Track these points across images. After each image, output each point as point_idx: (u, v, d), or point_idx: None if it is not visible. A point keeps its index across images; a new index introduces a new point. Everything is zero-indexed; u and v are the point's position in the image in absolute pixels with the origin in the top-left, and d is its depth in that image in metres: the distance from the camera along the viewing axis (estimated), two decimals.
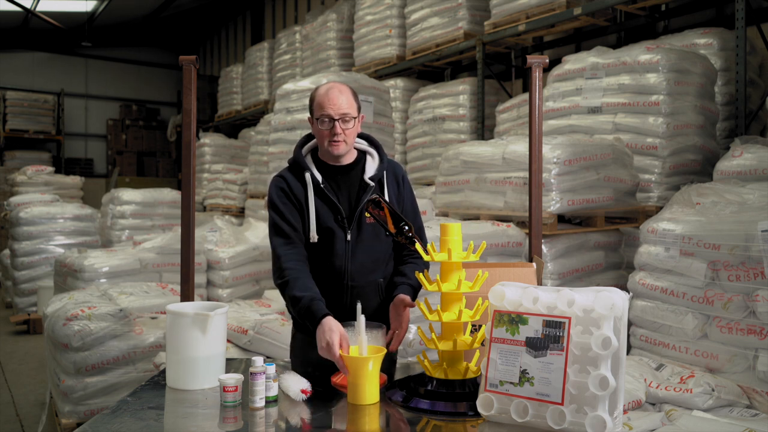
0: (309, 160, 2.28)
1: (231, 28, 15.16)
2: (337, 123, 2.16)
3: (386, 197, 2.25)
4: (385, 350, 1.92)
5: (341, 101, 2.16)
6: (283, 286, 2.12)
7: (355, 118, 2.20)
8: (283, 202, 2.22)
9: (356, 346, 1.90)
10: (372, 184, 2.23)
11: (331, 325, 1.93)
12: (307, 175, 2.22)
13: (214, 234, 5.87)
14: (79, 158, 15.72)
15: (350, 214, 2.22)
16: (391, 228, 1.98)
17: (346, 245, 2.20)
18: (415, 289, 2.22)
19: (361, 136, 2.34)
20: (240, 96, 11.58)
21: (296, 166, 2.27)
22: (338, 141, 2.18)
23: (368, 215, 2.18)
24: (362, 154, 2.32)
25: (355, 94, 2.24)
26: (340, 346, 1.89)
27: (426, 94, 6.93)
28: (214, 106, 13.04)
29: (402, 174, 2.34)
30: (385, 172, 2.28)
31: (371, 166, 2.28)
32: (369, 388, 1.83)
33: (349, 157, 2.28)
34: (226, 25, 15.41)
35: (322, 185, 2.21)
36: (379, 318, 2.14)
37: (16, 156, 13.88)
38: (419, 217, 2.38)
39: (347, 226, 2.21)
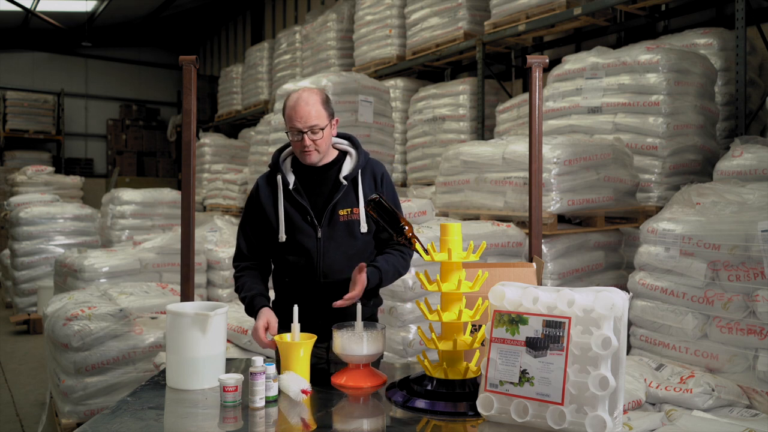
0: (287, 163, 2.35)
1: (231, 28, 15.17)
2: (305, 135, 2.20)
3: (360, 195, 2.27)
4: (315, 337, 2.04)
5: (309, 113, 2.19)
6: (237, 292, 2.35)
7: (324, 128, 2.22)
8: (249, 210, 2.38)
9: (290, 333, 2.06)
10: (345, 183, 2.27)
11: (263, 313, 2.20)
12: (279, 178, 2.30)
13: (214, 234, 5.87)
14: (79, 158, 15.73)
15: (322, 213, 2.26)
16: (386, 226, 1.99)
17: (317, 243, 2.25)
18: (380, 270, 2.22)
19: (343, 136, 2.38)
20: (240, 96, 11.58)
21: (273, 169, 2.36)
22: (309, 151, 2.23)
23: (343, 213, 2.25)
24: (342, 154, 2.35)
25: (325, 101, 2.25)
26: (267, 330, 2.16)
27: (426, 94, 6.93)
28: (214, 106, 13.05)
29: (381, 172, 2.36)
30: (361, 170, 2.31)
31: (347, 165, 2.31)
32: (298, 370, 1.97)
33: (327, 158, 2.32)
34: (226, 25, 15.41)
35: (291, 187, 2.28)
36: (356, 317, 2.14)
37: (16, 156, 13.89)
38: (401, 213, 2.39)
39: (318, 224, 2.25)
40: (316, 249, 2.24)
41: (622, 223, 4.35)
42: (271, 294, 2.43)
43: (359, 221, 2.26)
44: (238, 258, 2.40)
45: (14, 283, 7.32)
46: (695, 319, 3.02)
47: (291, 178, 2.29)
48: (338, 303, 2.12)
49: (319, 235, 2.24)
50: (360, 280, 2.14)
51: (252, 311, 2.26)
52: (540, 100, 2.61)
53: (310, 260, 2.25)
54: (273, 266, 2.41)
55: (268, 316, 2.19)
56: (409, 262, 2.34)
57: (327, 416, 1.82)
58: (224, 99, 12.20)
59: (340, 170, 2.30)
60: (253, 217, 2.35)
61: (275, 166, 2.33)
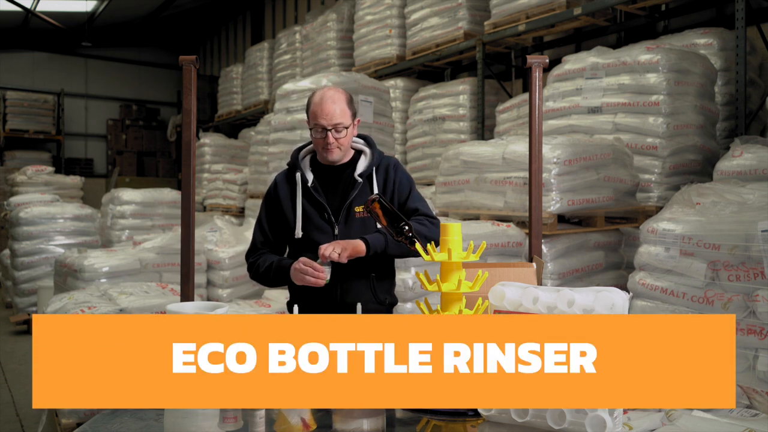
0: (305, 162, 2.39)
1: (231, 28, 15.16)
2: (329, 133, 2.24)
3: (374, 191, 2.31)
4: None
5: (334, 111, 2.23)
6: (256, 276, 2.38)
7: (348, 126, 2.27)
8: (267, 206, 2.42)
9: None
10: (360, 180, 2.31)
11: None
12: (298, 176, 2.34)
13: (214, 234, 5.86)
14: (79, 158, 15.72)
15: (339, 211, 2.30)
16: (385, 224, 2.00)
17: (333, 240, 2.27)
18: (385, 235, 2.23)
19: (360, 136, 2.42)
20: (240, 96, 11.58)
21: (291, 167, 2.41)
22: (331, 149, 2.27)
23: (359, 210, 2.28)
24: (358, 154, 2.40)
25: (350, 100, 2.30)
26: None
27: (426, 94, 6.93)
28: (214, 106, 13.04)
29: (394, 164, 2.40)
30: (375, 168, 2.35)
31: (362, 163, 2.36)
32: None
33: (346, 158, 2.37)
34: (226, 25, 15.41)
35: (310, 185, 2.32)
36: (372, 313, 2.15)
37: (16, 156, 13.88)
38: (416, 192, 2.39)
39: (335, 221, 2.29)
40: None
41: (622, 223, 4.34)
42: (285, 294, 2.45)
43: None
44: (251, 252, 2.43)
45: (14, 283, 7.32)
46: None
47: (310, 176, 2.34)
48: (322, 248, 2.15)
49: (336, 232, 2.28)
50: (352, 242, 2.19)
51: (283, 269, 2.26)
52: (540, 100, 2.61)
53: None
54: None
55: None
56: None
57: (327, 416, 1.83)
58: (224, 99, 12.20)
59: (355, 169, 2.34)
60: (271, 213, 2.40)
61: (294, 163, 2.38)
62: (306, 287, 2.29)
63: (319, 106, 2.24)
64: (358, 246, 2.19)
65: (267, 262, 2.33)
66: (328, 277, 2.19)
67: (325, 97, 2.25)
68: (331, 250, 2.14)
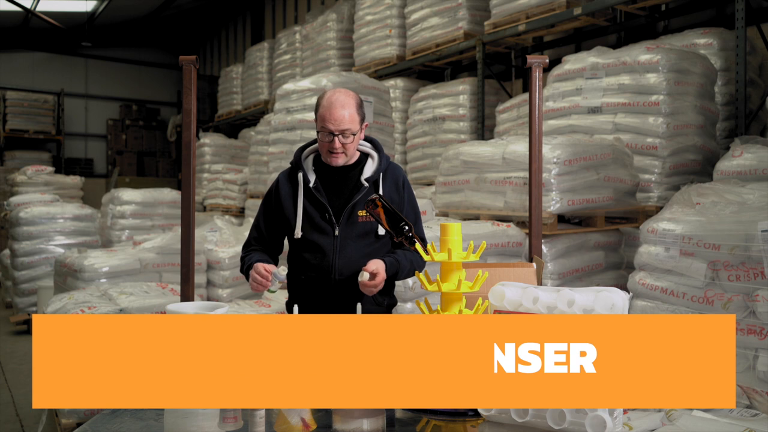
0: (308, 162, 2.37)
1: (231, 28, 15.17)
2: (336, 138, 2.22)
3: None
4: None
5: (343, 117, 2.21)
6: (242, 271, 2.39)
7: (355, 133, 2.25)
8: (266, 205, 2.45)
9: None
10: (366, 185, 2.29)
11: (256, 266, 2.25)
12: (300, 176, 2.33)
13: (214, 234, 5.86)
14: (79, 158, 15.73)
15: (341, 212, 2.28)
16: (385, 225, 2.00)
17: (333, 241, 2.27)
18: (398, 261, 2.25)
19: (366, 139, 2.40)
20: (240, 96, 11.58)
21: (294, 166, 2.39)
22: (337, 154, 2.25)
23: (362, 213, 2.27)
24: (364, 156, 2.38)
25: (359, 105, 2.27)
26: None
27: (426, 94, 6.93)
28: (214, 106, 13.05)
29: (403, 178, 2.39)
30: (382, 173, 2.34)
31: (369, 167, 2.34)
32: None
33: (350, 160, 2.34)
34: (226, 25, 15.41)
35: (312, 185, 2.31)
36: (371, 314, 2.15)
37: (16, 156, 13.88)
38: (420, 223, 2.41)
39: (336, 222, 2.27)
40: (333, 247, 2.26)
41: (622, 223, 4.34)
42: (285, 294, 2.46)
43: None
44: (244, 248, 2.46)
45: (14, 283, 7.31)
46: None
47: (312, 177, 2.32)
48: (365, 287, 2.14)
49: (337, 233, 2.26)
50: (378, 268, 2.16)
51: (248, 269, 2.30)
52: (540, 100, 2.62)
53: (325, 258, 2.26)
54: (289, 264, 2.42)
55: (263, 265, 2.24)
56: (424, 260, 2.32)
57: (327, 416, 1.83)
58: (224, 99, 12.20)
59: (361, 172, 2.32)
60: (269, 211, 2.40)
61: (297, 163, 2.36)
62: (305, 287, 2.30)
63: (328, 110, 2.21)
64: (381, 276, 2.18)
65: (250, 261, 2.34)
66: (273, 288, 2.22)
67: (334, 102, 2.21)
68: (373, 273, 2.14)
